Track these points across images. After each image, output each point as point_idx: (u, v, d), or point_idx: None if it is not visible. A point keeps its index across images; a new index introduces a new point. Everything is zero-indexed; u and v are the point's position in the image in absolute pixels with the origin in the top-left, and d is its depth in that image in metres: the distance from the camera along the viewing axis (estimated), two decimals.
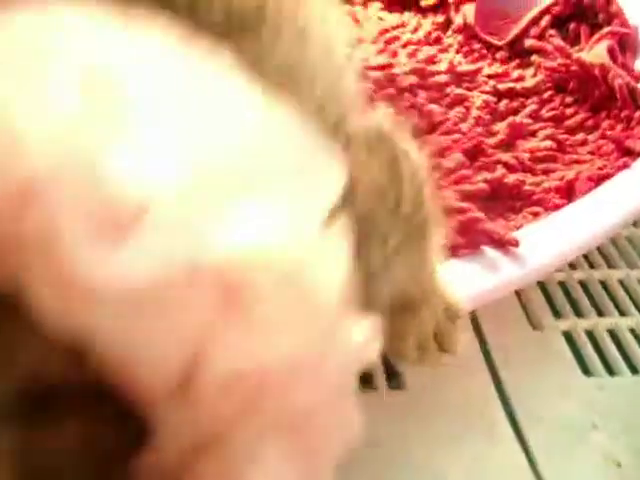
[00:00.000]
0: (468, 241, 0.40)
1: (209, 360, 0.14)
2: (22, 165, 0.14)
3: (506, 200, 0.48)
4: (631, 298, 0.51)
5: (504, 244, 0.40)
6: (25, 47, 0.15)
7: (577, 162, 0.54)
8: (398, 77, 0.60)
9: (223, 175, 0.15)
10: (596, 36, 0.66)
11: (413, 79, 0.60)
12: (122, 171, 0.14)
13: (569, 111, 0.61)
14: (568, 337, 0.48)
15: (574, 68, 0.63)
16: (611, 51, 0.62)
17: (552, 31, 0.69)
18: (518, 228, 0.44)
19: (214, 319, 0.14)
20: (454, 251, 0.39)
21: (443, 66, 0.65)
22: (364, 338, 0.16)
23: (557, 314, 0.49)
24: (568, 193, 0.49)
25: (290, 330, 0.15)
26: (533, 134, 0.58)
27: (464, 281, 0.36)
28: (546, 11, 0.70)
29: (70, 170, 0.14)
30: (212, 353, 0.14)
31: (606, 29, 0.66)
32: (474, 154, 0.52)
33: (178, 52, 0.16)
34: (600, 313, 0.50)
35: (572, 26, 0.70)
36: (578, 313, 0.50)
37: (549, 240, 0.42)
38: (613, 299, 0.51)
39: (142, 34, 0.16)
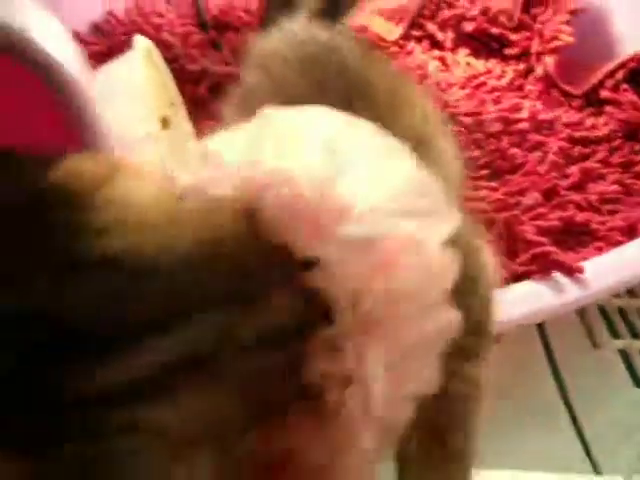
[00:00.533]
0: (541, 268, 0.48)
1: (365, 294, 0.25)
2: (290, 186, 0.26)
3: (575, 235, 0.56)
4: None
5: (571, 271, 0.48)
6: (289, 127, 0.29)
7: None
8: (485, 123, 0.69)
9: (392, 202, 0.27)
10: None
11: (498, 126, 0.69)
12: (340, 191, 0.26)
13: (637, 158, 0.69)
14: (624, 355, 0.56)
15: None
16: None
17: (625, 85, 0.76)
18: (584, 259, 0.51)
19: (370, 275, 0.26)
20: (529, 275, 0.48)
21: (525, 114, 0.72)
22: (449, 320, 0.27)
23: (615, 335, 0.58)
24: (630, 232, 0.57)
25: (410, 289, 0.26)
26: (602, 177, 0.65)
27: (535, 298, 0.45)
28: (622, 65, 0.77)
29: (314, 189, 0.26)
30: (368, 291, 0.25)
31: None
32: (549, 194, 0.60)
33: (374, 135, 0.29)
34: None
35: None
36: (634, 335, 0.58)
37: (610, 268, 0.51)
38: None
39: (354, 125, 0.29)
